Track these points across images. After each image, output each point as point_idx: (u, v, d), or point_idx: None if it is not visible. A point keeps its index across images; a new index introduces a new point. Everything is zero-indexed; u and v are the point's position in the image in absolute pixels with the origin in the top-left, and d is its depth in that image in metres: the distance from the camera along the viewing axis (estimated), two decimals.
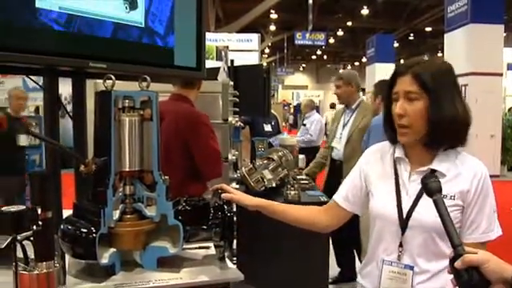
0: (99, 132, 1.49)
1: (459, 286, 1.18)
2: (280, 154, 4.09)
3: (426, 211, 1.48)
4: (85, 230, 1.41)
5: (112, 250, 1.48)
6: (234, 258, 3.60)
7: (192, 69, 1.94)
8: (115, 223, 1.47)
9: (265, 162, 3.92)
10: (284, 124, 13.39)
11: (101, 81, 1.49)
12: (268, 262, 3.56)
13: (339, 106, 5.72)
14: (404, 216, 1.62)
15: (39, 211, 1.21)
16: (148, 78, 1.52)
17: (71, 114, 1.74)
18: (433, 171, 1.62)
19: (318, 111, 9.08)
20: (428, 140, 1.61)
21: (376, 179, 1.74)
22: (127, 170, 1.49)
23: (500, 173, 11.68)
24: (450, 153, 1.64)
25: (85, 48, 1.55)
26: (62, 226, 1.45)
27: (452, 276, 1.21)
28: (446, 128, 1.58)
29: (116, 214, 1.47)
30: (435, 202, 1.29)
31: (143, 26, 1.76)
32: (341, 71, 5.16)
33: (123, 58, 1.65)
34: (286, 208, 1.91)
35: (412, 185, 1.64)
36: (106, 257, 1.45)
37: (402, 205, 1.63)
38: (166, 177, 1.54)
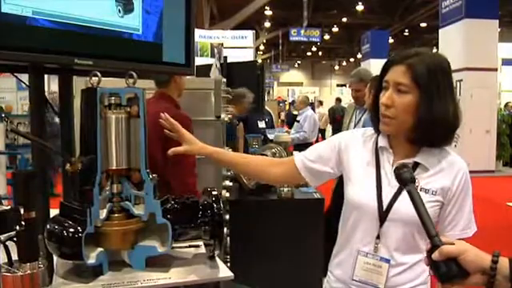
0: (85, 130, 1.46)
1: (437, 278, 1.17)
2: (274, 150, 4.08)
3: (407, 204, 1.45)
4: (71, 230, 1.38)
5: (99, 249, 1.45)
6: (228, 256, 3.59)
7: (181, 65, 1.91)
8: (102, 222, 1.44)
9: None
10: (279, 121, 13.38)
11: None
12: (262, 259, 3.54)
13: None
14: (384, 208, 1.58)
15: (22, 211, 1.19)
16: (134, 75, 1.49)
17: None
18: (416, 164, 1.59)
19: (313, 108, 9.09)
20: (412, 136, 1.58)
21: (356, 166, 1.68)
22: (114, 168, 1.47)
23: (495, 168, 11.71)
24: (432, 149, 1.61)
25: (70, 44, 1.51)
26: (48, 226, 1.42)
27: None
28: (433, 128, 1.54)
29: (103, 213, 1.45)
30: (409, 192, 1.26)
31: (140, 32, 1.71)
32: (357, 69, 4.82)
33: (110, 54, 1.62)
34: (241, 158, 1.89)
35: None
36: (93, 257, 1.42)
37: (382, 196, 1.59)
38: (154, 175, 1.52)
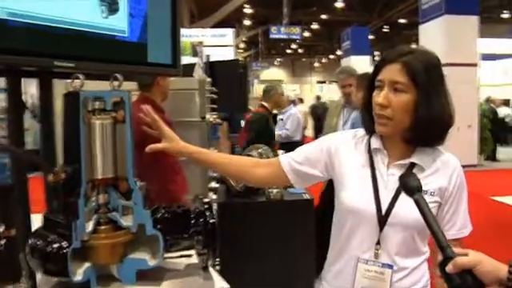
0: (68, 137, 1.37)
1: None
2: (260, 150, 4.00)
3: (407, 208, 1.38)
4: (56, 245, 1.29)
5: (87, 264, 1.36)
6: (217, 259, 3.51)
7: (167, 66, 1.82)
8: (89, 236, 1.35)
9: None
10: None
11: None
12: (252, 261, 3.47)
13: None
14: (383, 212, 1.51)
15: (1, 229, 1.09)
16: (120, 77, 1.40)
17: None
18: (412, 165, 1.54)
19: (294, 105, 9.01)
20: (409, 136, 1.52)
21: (349, 170, 1.60)
22: (100, 177, 1.37)
23: (478, 162, 11.81)
24: (426, 149, 1.56)
25: (50, 46, 1.41)
26: (30, 241, 1.33)
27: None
28: (430, 127, 1.49)
29: (89, 226, 1.35)
30: (417, 202, 1.19)
31: (126, 34, 1.61)
32: (343, 66, 4.81)
33: (93, 55, 1.51)
34: (221, 159, 1.79)
35: (390, 178, 1.54)
36: (80, 273, 1.33)
37: (380, 199, 1.52)
38: (143, 183, 1.43)
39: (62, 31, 1.40)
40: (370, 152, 1.59)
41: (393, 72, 1.49)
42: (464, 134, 10.83)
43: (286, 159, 1.69)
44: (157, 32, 1.74)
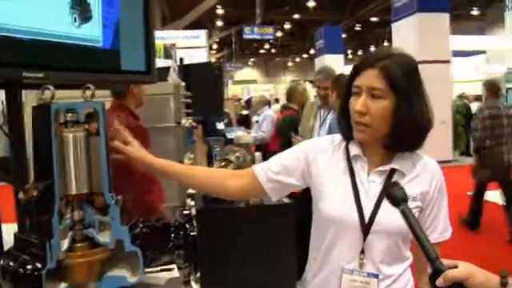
0: (39, 152, 1.30)
1: None
2: (237, 154, 3.93)
3: (390, 215, 1.33)
4: (29, 267, 1.23)
5: (63, 285, 1.30)
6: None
7: (141, 73, 1.76)
8: (64, 254, 1.28)
9: (222, 164, 3.76)
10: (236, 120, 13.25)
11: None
12: (232, 267, 3.41)
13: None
14: (366, 220, 1.47)
15: None
16: (92, 87, 1.33)
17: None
18: (393, 170, 1.50)
19: (269, 106, 8.94)
20: (388, 142, 1.47)
21: (328, 178, 1.54)
22: (74, 193, 1.31)
23: (452, 158, 11.93)
24: (405, 153, 1.52)
25: (17, 55, 1.34)
26: (1, 262, 1.26)
27: None
28: (409, 132, 1.45)
29: (65, 244, 1.29)
30: (403, 213, 1.16)
31: (100, 44, 1.54)
32: (321, 67, 4.71)
33: (63, 65, 1.45)
34: (187, 170, 1.70)
35: (371, 185, 1.49)
36: None
37: (362, 207, 1.47)
38: (119, 197, 1.37)
39: (31, 41, 1.34)
40: (349, 159, 1.55)
41: (370, 78, 1.44)
42: (438, 131, 10.89)
43: (261, 169, 1.62)
44: (130, 38, 1.68)
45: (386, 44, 24.59)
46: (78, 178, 1.31)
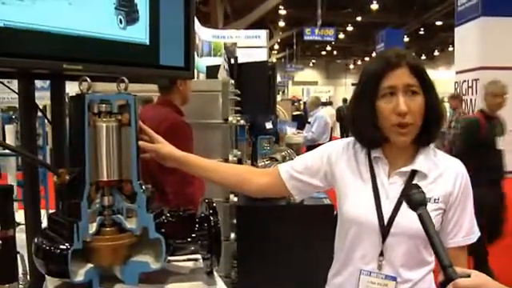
0: (73, 139, 1.38)
1: None
2: (284, 153, 3.98)
3: (410, 217, 1.34)
4: (57, 246, 1.30)
5: (89, 265, 1.37)
6: (235, 262, 3.51)
7: (180, 68, 1.82)
8: (92, 237, 1.36)
9: (267, 162, 3.81)
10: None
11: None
12: (270, 265, 3.45)
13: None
14: (385, 222, 1.48)
15: None
16: (126, 80, 1.40)
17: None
18: (414, 172, 1.50)
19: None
20: (418, 137, 1.50)
21: (350, 179, 1.58)
22: (105, 179, 1.38)
23: None
24: (429, 152, 1.53)
25: (59, 49, 1.42)
26: (35, 240, 1.34)
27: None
28: (440, 124, 1.51)
29: (93, 227, 1.36)
30: (420, 217, 1.17)
31: (148, 44, 1.60)
32: None
33: (101, 57, 1.52)
34: (212, 165, 1.72)
35: (392, 187, 1.50)
36: (81, 274, 1.34)
37: (382, 209, 1.49)
38: (148, 186, 1.43)
39: (72, 36, 1.42)
40: (371, 160, 1.55)
41: (403, 76, 1.45)
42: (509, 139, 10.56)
43: (285, 168, 1.66)
44: (169, 33, 1.73)
45: (450, 49, 23.92)
46: (109, 165, 1.37)
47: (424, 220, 1.16)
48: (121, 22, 1.53)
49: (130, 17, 1.55)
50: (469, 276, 1.06)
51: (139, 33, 1.59)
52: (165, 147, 1.61)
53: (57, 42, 1.39)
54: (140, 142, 1.46)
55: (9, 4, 1.25)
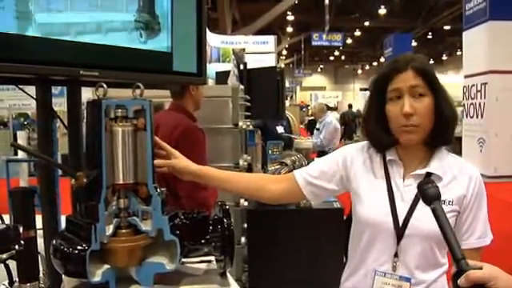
0: (90, 143, 1.42)
1: None
2: (293, 158, 4.00)
3: (425, 218, 1.38)
4: (75, 247, 1.34)
5: (106, 266, 1.41)
6: (246, 266, 3.53)
7: (192, 74, 1.85)
8: (108, 238, 1.39)
9: (277, 167, 3.83)
10: (302, 125, 13.38)
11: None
12: (280, 268, 3.47)
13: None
14: (400, 224, 1.50)
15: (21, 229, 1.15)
16: (141, 86, 1.44)
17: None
18: (429, 174, 1.52)
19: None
20: (431, 139, 1.52)
21: (365, 181, 1.60)
22: (121, 182, 1.42)
23: None
24: (443, 155, 1.55)
25: (76, 55, 1.47)
26: (53, 242, 1.38)
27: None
28: (451, 126, 1.52)
29: (110, 229, 1.40)
30: (434, 211, 1.18)
31: (170, 51, 1.67)
32: None
33: (117, 64, 1.57)
34: (227, 175, 1.73)
35: (407, 189, 1.52)
36: (98, 274, 1.38)
37: (396, 211, 1.51)
38: (163, 189, 1.47)
39: (89, 45, 1.47)
40: (386, 163, 1.58)
41: (407, 78, 1.49)
42: (507, 144, 10.51)
43: (300, 174, 1.69)
44: (182, 40, 1.78)
45: (458, 53, 23.88)
46: (125, 168, 1.41)
47: (438, 213, 1.17)
48: (141, 36, 1.58)
49: (151, 31, 1.60)
50: (481, 268, 1.08)
51: (160, 43, 1.65)
52: (181, 162, 1.64)
53: (74, 49, 1.44)
54: (156, 161, 1.50)
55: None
